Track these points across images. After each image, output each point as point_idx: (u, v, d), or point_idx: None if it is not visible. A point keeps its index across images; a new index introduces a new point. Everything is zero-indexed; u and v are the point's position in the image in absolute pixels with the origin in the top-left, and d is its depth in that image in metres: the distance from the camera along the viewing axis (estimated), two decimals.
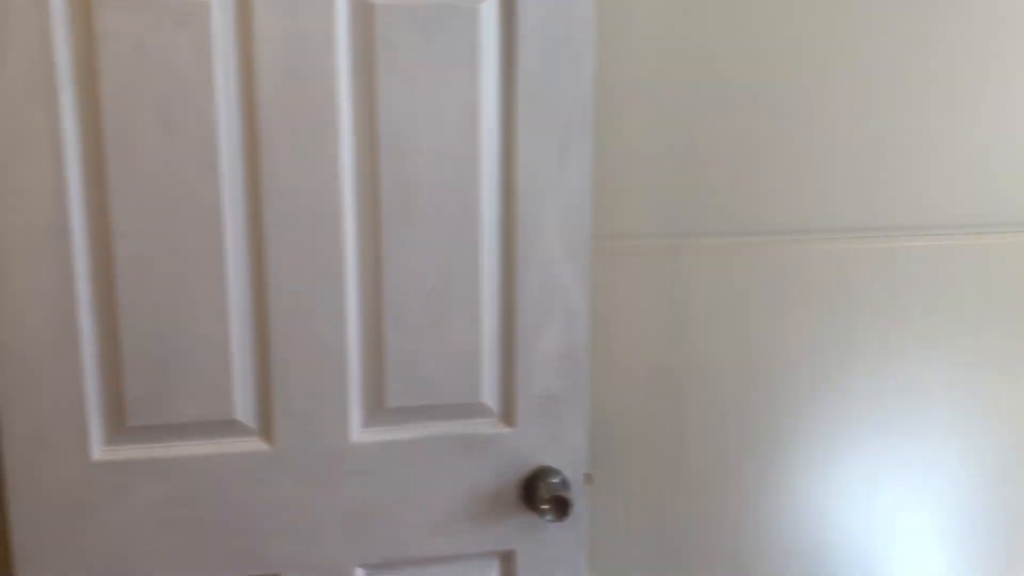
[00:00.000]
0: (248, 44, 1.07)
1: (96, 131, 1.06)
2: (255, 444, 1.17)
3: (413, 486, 1.21)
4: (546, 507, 1.19)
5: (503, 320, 1.20)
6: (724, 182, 1.46)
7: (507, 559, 1.26)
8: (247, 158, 1.10)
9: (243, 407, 1.15)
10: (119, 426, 1.13)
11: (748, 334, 1.51)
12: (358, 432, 1.19)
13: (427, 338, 1.17)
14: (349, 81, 1.10)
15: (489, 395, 1.21)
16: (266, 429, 1.16)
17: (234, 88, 1.08)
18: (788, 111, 1.46)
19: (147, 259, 1.09)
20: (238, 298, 1.12)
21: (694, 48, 1.42)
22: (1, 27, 1.01)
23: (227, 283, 1.11)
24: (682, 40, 1.41)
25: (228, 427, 1.15)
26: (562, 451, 1.24)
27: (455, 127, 1.13)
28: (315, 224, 1.12)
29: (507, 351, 1.20)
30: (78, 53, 1.04)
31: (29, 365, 1.09)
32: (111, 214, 1.08)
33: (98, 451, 1.13)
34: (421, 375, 1.18)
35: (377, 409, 1.19)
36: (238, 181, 1.10)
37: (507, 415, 1.22)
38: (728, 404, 1.53)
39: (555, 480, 1.23)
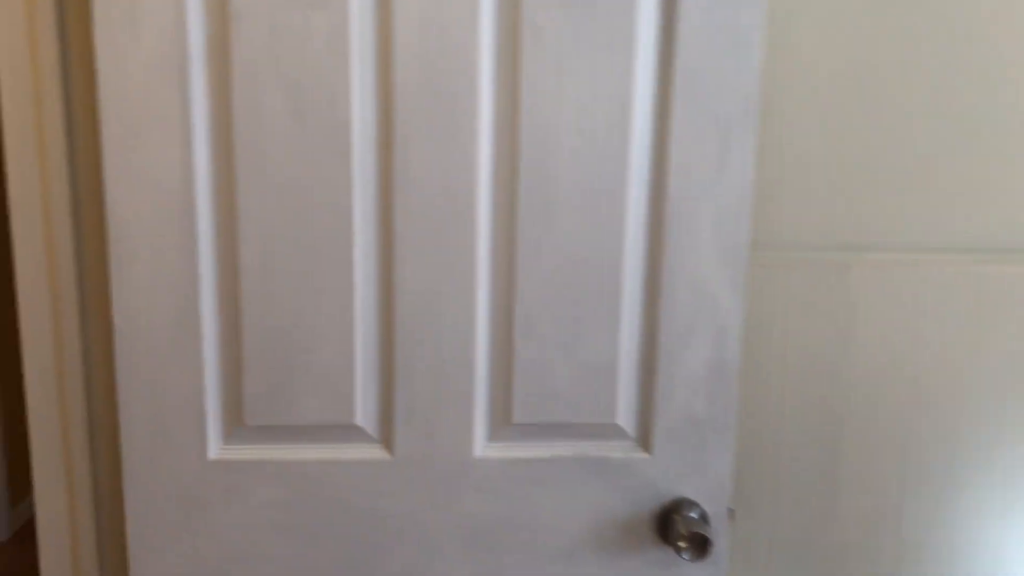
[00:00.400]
0: (387, 26, 1.00)
1: (225, 114, 1.01)
2: (375, 452, 1.10)
3: (537, 508, 1.11)
4: (684, 544, 1.08)
5: (645, 333, 1.09)
6: (899, 192, 1.30)
7: None
8: (380, 147, 1.03)
9: (364, 412, 1.09)
10: (237, 425, 1.08)
11: (920, 361, 1.35)
12: (482, 446, 1.10)
13: (560, 349, 1.08)
14: (491, 67, 1.02)
15: (625, 416, 1.11)
16: (387, 437, 1.10)
17: (369, 73, 1.01)
18: (975, 119, 1.29)
19: (272, 250, 1.04)
20: (364, 296, 1.06)
21: (871, 43, 1.27)
22: (136, 4, 0.97)
23: (353, 279, 1.05)
24: (858, 32, 1.26)
25: (348, 432, 1.09)
26: (703, 482, 1.12)
27: (604, 119, 1.03)
28: (447, 220, 1.04)
29: (647, 368, 1.09)
30: (211, 33, 0.99)
31: (151, 356, 1.05)
32: (237, 201, 1.03)
33: (215, 449, 1.09)
34: (552, 389, 1.09)
35: (503, 424, 1.10)
36: (369, 171, 1.03)
37: (644, 439, 1.11)
38: (892, 437, 1.37)
39: (694, 514, 1.11)
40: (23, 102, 1.04)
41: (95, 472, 1.12)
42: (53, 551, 1.13)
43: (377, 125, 1.02)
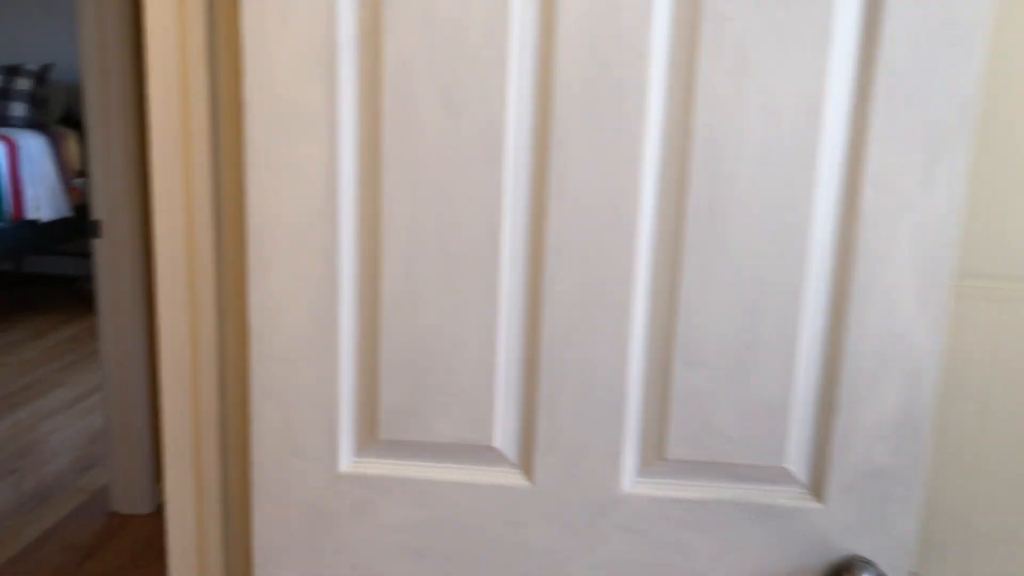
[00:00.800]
0: (549, 15, 0.91)
1: (374, 110, 0.94)
2: (513, 477, 1.01)
3: (690, 554, 1.00)
4: None
5: (824, 370, 0.96)
6: None
7: None
8: (535, 149, 0.94)
9: (503, 435, 1.00)
10: (370, 438, 1.02)
11: None
12: (631, 482, 1.00)
13: (724, 382, 0.96)
14: (664, 61, 0.91)
15: (796, 460, 0.98)
16: (527, 463, 1.01)
17: (528, 65, 0.92)
18: None
19: (416, 256, 0.97)
20: (509, 310, 0.97)
21: None
22: None
23: (499, 292, 0.96)
24: None
25: (485, 455, 1.01)
26: (883, 540, 0.98)
27: (789, 125, 0.90)
28: (603, 231, 0.94)
29: (825, 408, 0.96)
30: (363, 21, 0.93)
31: (286, 361, 1.00)
32: (382, 203, 0.96)
33: (346, 462, 1.02)
34: (713, 424, 0.97)
35: (655, 458, 0.99)
36: (522, 175, 0.94)
37: (816, 486, 0.98)
38: None
39: (870, 575, 0.97)
40: (170, 90, 1.01)
41: (225, 478, 1.08)
42: (180, 557, 1.10)
43: (533, 125, 0.93)
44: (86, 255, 5.77)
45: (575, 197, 0.93)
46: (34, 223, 4.95)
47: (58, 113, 5.57)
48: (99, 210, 2.77)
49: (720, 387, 0.96)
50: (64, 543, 2.84)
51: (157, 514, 3.02)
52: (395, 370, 1.00)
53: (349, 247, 0.98)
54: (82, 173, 5.43)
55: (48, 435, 3.64)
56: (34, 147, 5.01)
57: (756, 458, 0.98)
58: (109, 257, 2.80)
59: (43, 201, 4.97)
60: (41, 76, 5.35)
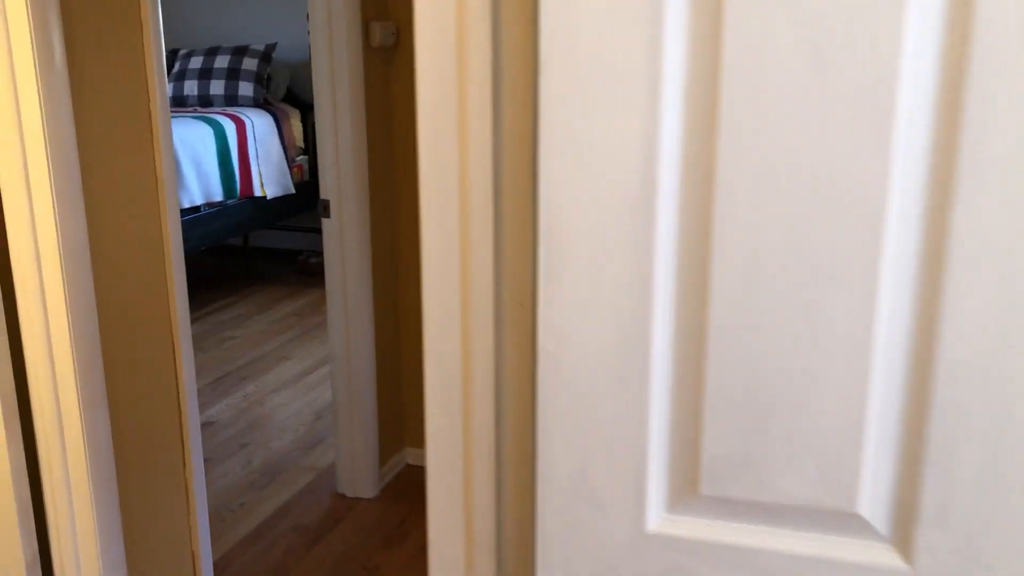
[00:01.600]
0: None
1: (710, 65, 0.71)
2: (882, 555, 0.76)
3: None
4: None
5: None
6: None
7: None
8: (940, 114, 0.67)
9: (871, 499, 0.75)
10: (687, 492, 0.80)
11: None
12: None
13: None
14: None
15: None
16: (903, 537, 0.75)
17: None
18: None
19: (758, 260, 0.73)
20: (888, 338, 0.72)
21: None
22: None
23: (876, 310, 0.71)
24: None
25: (844, 523, 0.76)
26: None
27: None
28: None
29: None
30: None
31: (581, 389, 0.79)
32: (715, 192, 0.73)
33: (656, 519, 0.81)
34: None
35: None
36: (917, 151, 0.68)
37: None
38: None
39: None
40: (442, 52, 0.82)
41: (499, 524, 0.90)
42: None
43: (939, 80, 0.67)
44: (307, 229, 5.92)
45: (997, 181, 0.66)
46: (261, 199, 5.09)
47: (282, 92, 5.71)
48: (327, 190, 2.71)
49: None
50: (294, 524, 2.83)
51: (381, 498, 2.97)
52: (724, 407, 0.77)
53: (668, 248, 0.75)
54: (304, 150, 5.55)
55: (275, 410, 3.70)
56: (261, 125, 5.15)
57: None
58: (336, 236, 2.74)
59: (269, 178, 5.10)
60: (266, 55, 5.49)
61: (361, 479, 2.97)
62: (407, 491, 3.02)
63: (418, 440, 3.19)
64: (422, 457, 3.17)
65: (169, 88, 4.78)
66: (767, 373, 0.75)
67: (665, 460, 0.80)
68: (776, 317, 0.73)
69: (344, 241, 2.74)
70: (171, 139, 2.05)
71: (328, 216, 2.73)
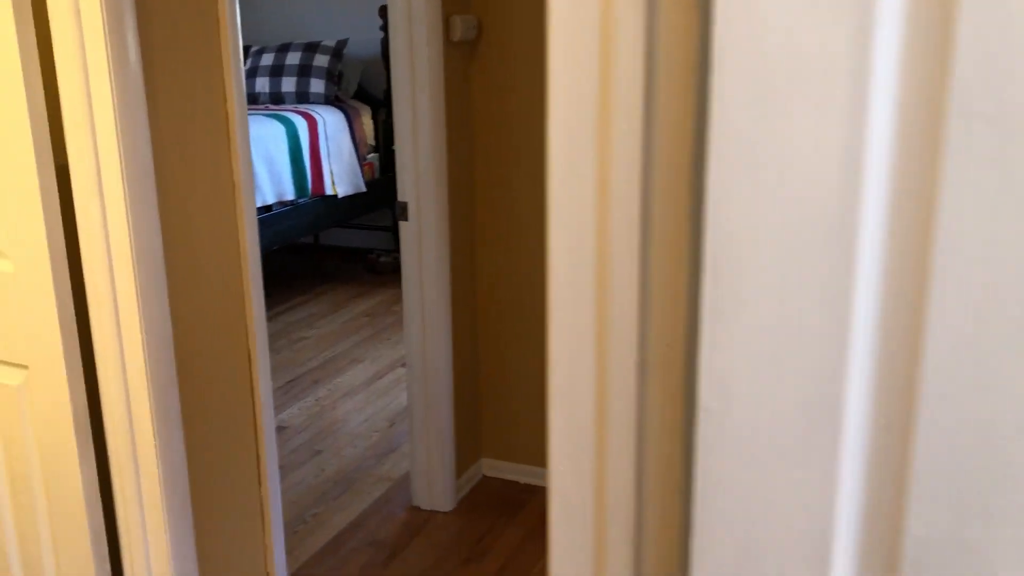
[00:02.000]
0: None
1: (939, 54, 0.56)
2: None
3: None
4: None
5: None
6: None
7: None
8: None
9: None
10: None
11: None
12: None
13: None
14: None
15: None
16: None
17: None
18: None
19: (995, 295, 0.58)
20: None
21: None
22: None
23: None
24: None
25: None
26: None
27: None
28: None
29: None
30: None
31: (753, 459, 0.65)
32: (936, 215, 0.58)
33: None
34: None
35: None
36: None
37: None
38: None
39: None
40: (581, 35, 0.68)
41: None
42: None
43: None
44: (378, 228, 5.85)
45: None
46: (332, 198, 5.03)
47: (353, 88, 5.65)
48: (404, 192, 2.60)
49: None
50: (369, 538, 2.73)
51: (458, 511, 2.86)
52: (934, 482, 0.62)
53: (872, 284, 0.60)
54: (375, 148, 5.47)
55: (348, 415, 3.62)
56: (332, 123, 5.08)
57: None
58: (415, 241, 2.63)
59: (340, 176, 5.03)
60: (337, 52, 5.43)
61: (437, 491, 2.86)
62: (484, 505, 2.90)
63: (495, 451, 3.07)
64: (499, 468, 3.05)
65: None
66: (995, 442, 0.60)
67: (854, 541, 0.65)
68: (1016, 373, 0.58)
69: (423, 246, 2.63)
70: (248, 139, 1.96)
71: (406, 219, 2.62)
